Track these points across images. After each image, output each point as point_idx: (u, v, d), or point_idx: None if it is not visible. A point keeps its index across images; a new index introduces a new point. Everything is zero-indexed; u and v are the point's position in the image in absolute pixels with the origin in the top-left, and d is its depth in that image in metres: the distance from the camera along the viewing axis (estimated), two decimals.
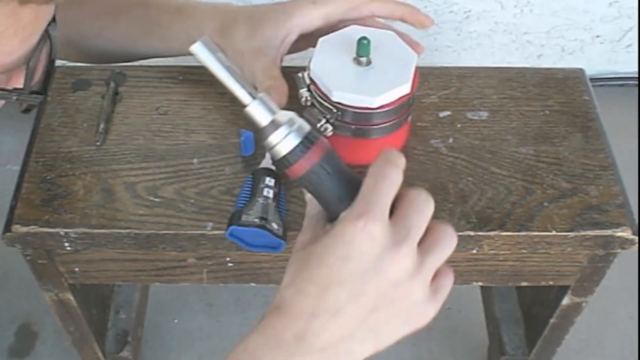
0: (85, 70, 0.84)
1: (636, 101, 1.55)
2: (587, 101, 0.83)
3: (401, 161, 0.48)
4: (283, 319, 0.47)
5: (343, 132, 0.71)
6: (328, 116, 0.69)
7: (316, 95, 0.70)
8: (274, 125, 0.47)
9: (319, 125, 0.69)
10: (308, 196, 0.52)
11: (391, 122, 0.71)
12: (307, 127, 0.48)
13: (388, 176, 0.47)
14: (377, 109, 0.69)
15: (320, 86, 0.69)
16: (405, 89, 0.69)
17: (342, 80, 0.68)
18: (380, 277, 0.46)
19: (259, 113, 0.48)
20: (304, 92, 0.71)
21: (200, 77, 0.84)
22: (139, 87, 0.83)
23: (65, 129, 0.79)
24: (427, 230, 0.48)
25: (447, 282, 0.49)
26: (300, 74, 0.71)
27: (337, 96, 0.68)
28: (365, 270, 0.46)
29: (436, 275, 0.49)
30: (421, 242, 0.48)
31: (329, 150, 0.49)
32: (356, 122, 0.70)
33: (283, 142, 0.47)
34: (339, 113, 0.69)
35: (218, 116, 0.80)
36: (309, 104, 0.71)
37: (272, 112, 0.48)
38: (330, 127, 0.70)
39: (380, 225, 0.46)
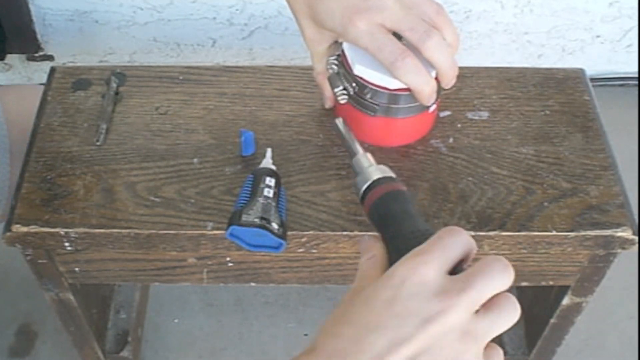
0: (86, 70, 0.84)
1: (636, 101, 1.55)
2: (587, 101, 0.83)
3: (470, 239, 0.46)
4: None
5: (362, 107, 0.72)
6: (347, 85, 0.71)
7: (343, 65, 0.72)
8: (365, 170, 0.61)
9: (335, 90, 0.72)
10: (363, 245, 0.51)
11: (408, 107, 0.71)
12: (387, 174, 0.60)
13: (456, 234, 0.45)
14: (394, 90, 0.69)
15: (347, 57, 0.71)
16: None
17: (368, 56, 0.68)
18: (425, 327, 0.42)
19: (361, 162, 0.63)
20: (332, 59, 0.73)
21: (200, 77, 0.84)
22: (139, 87, 0.83)
23: (65, 128, 0.79)
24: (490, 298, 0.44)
25: (499, 358, 0.45)
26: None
27: (359, 70, 0.70)
28: (410, 315, 0.42)
29: (485, 348, 0.44)
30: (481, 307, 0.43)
31: (399, 190, 0.56)
32: (374, 100, 0.71)
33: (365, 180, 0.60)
34: (357, 87, 0.71)
35: (218, 116, 0.80)
36: (335, 71, 0.73)
37: (370, 163, 0.62)
38: (345, 96, 0.72)
39: (435, 270, 0.43)
